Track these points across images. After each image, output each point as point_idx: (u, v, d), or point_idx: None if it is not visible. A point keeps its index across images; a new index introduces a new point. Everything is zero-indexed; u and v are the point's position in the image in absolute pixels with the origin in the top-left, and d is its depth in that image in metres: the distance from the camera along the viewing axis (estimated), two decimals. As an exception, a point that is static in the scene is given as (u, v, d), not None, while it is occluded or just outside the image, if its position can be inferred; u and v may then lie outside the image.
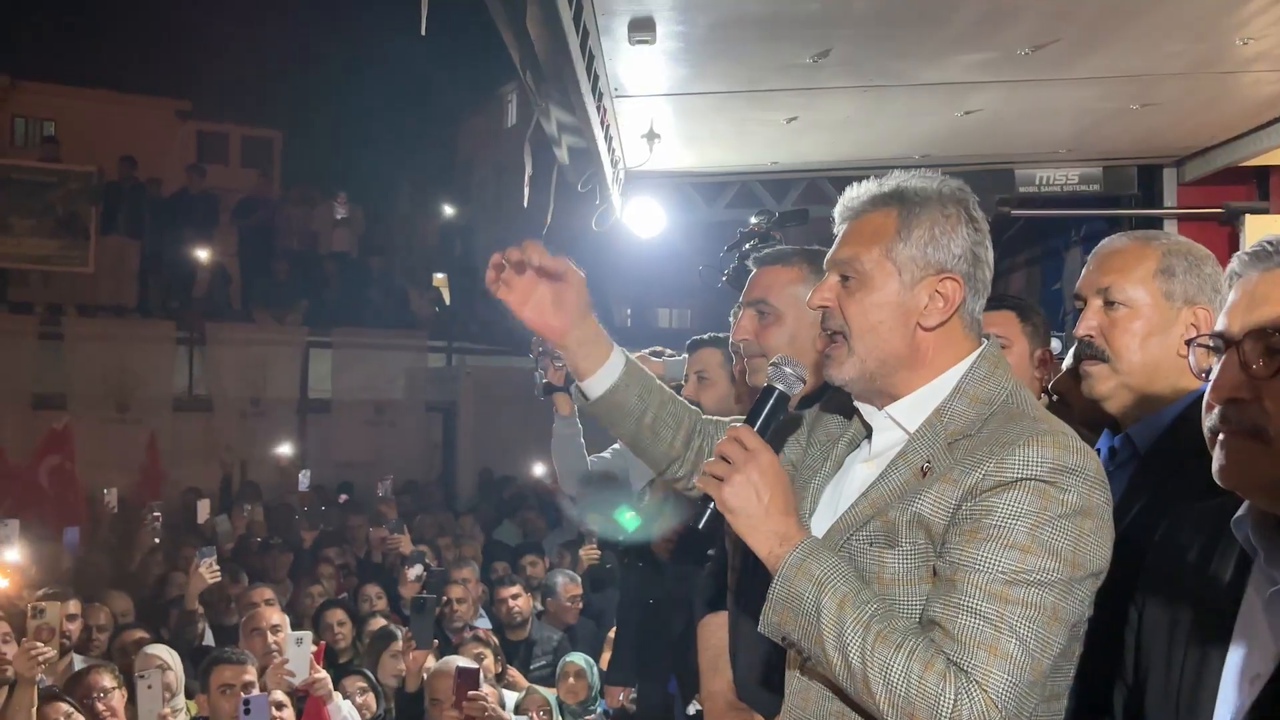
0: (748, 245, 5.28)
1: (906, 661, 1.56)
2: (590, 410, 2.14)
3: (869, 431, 1.91)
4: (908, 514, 1.71)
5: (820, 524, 1.87)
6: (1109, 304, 2.14)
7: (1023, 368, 2.93)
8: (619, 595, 5.28)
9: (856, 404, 1.93)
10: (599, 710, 5.25)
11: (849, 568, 1.69)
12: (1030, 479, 1.62)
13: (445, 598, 6.10)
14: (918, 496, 1.71)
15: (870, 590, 1.67)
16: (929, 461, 1.74)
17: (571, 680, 5.41)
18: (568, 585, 6.68)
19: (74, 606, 5.21)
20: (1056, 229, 6.54)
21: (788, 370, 1.91)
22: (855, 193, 1.91)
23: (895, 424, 1.84)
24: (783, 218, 5.08)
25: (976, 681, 1.54)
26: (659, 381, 2.20)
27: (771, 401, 1.89)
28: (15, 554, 6.05)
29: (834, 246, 1.90)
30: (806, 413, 2.14)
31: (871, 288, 1.81)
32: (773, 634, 1.74)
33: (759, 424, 1.87)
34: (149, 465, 11.71)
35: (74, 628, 5.18)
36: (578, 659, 5.56)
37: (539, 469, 11.22)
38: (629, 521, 6.43)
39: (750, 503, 1.74)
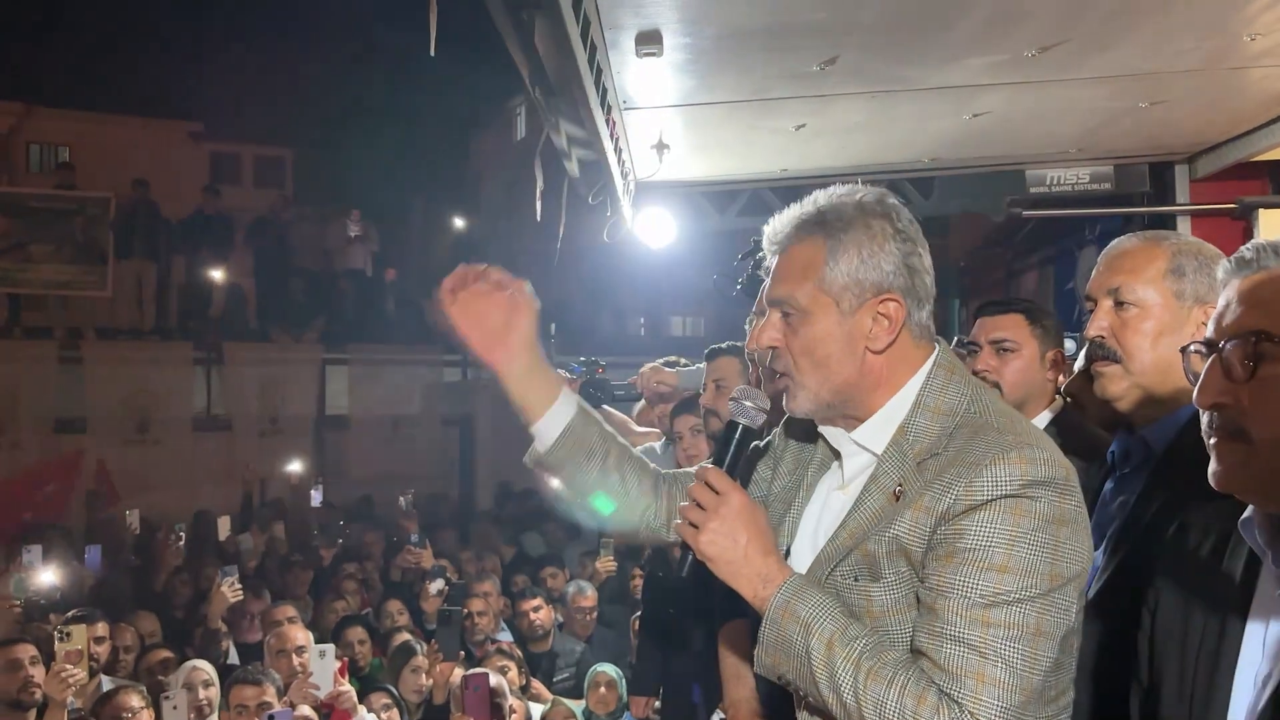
0: (761, 254, 5.31)
1: (899, 697, 1.56)
2: (549, 459, 2.01)
3: (837, 455, 1.89)
4: (885, 543, 1.69)
5: (801, 554, 1.85)
6: (1120, 304, 2.14)
7: (1033, 370, 2.93)
8: (642, 605, 5.28)
9: (821, 430, 1.89)
10: None
11: (834, 604, 1.68)
12: (1000, 497, 1.61)
13: (466, 611, 6.13)
14: (893, 524, 1.69)
15: (858, 625, 1.66)
16: (900, 485, 1.72)
17: (602, 690, 5.41)
18: (576, 596, 6.69)
19: (102, 629, 5.25)
20: (1069, 229, 6.54)
21: (748, 404, 1.88)
22: (778, 224, 1.86)
23: (861, 448, 1.81)
24: None
25: (969, 711, 1.54)
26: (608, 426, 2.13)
27: (736, 437, 1.86)
28: (50, 576, 6.11)
29: (769, 282, 1.87)
30: (775, 437, 2.10)
31: (812, 323, 1.77)
32: (768, 675, 1.73)
33: (727, 463, 1.84)
34: (103, 489, 11.82)
35: (102, 650, 5.21)
36: (608, 669, 5.56)
37: (556, 483, 11.23)
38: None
39: (728, 549, 1.73)
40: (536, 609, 6.43)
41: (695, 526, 1.76)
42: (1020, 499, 1.61)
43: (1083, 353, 2.97)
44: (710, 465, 1.84)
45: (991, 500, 1.61)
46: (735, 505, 1.74)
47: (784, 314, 1.81)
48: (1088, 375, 2.24)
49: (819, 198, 1.84)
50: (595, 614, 6.64)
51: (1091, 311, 2.22)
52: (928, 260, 1.82)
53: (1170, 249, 2.14)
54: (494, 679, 4.58)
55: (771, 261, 1.88)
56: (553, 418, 2.01)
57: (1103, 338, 2.15)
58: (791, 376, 1.80)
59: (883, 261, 1.76)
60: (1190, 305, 2.10)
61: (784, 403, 1.85)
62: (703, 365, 3.81)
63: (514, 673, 5.34)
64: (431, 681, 5.14)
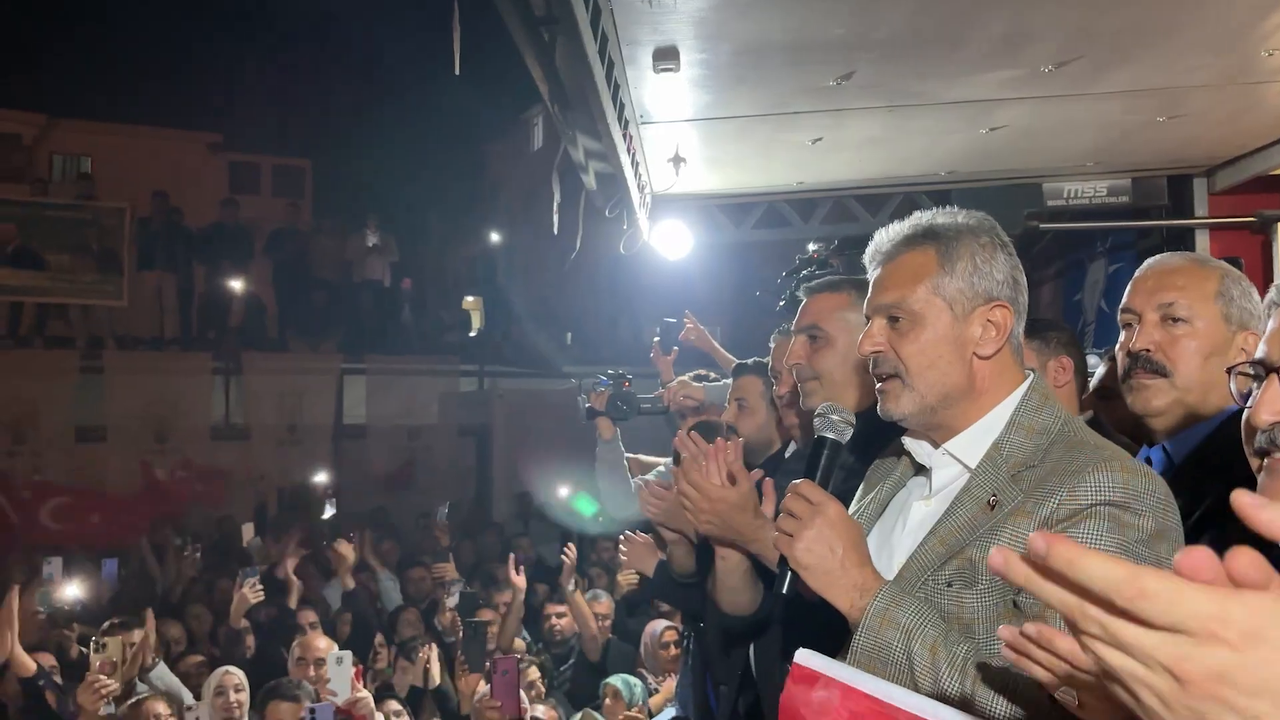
0: (805, 271, 5.33)
1: (1009, 704, 1.54)
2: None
3: (918, 469, 1.91)
4: (988, 553, 1.68)
5: (879, 567, 1.84)
6: (1172, 320, 2.15)
7: None
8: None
9: (908, 445, 1.92)
10: None
11: (934, 611, 1.68)
12: (1104, 504, 1.61)
13: (484, 620, 6.16)
14: (995, 535, 1.69)
15: (957, 632, 1.66)
16: (995, 495, 1.73)
17: (609, 701, 5.42)
18: (592, 603, 6.69)
19: (137, 636, 5.29)
20: (1084, 241, 6.51)
21: (835, 418, 1.92)
22: (886, 236, 1.92)
23: (955, 460, 1.83)
24: (841, 244, 5.11)
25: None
26: None
27: (826, 452, 1.90)
28: (75, 590, 6.18)
29: (873, 291, 1.90)
30: (871, 469, 2.13)
31: (924, 325, 1.81)
32: None
33: (818, 476, 1.87)
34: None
35: (143, 656, 5.24)
36: (615, 680, 5.57)
37: (564, 491, 11.28)
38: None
39: (825, 558, 1.74)
40: (560, 615, 6.45)
41: (790, 536, 1.77)
42: (1124, 510, 1.61)
43: (1101, 367, 2.97)
44: (803, 480, 1.85)
45: (1095, 506, 1.62)
46: (831, 515, 1.76)
47: (891, 319, 1.84)
48: (1101, 393, 2.25)
49: (926, 215, 1.90)
50: (609, 622, 6.64)
51: (1127, 326, 2.23)
52: (1024, 279, 1.88)
53: (1219, 272, 2.17)
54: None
55: (875, 273, 1.91)
56: None
57: (1150, 351, 2.16)
58: (901, 379, 1.82)
59: (994, 270, 1.82)
60: (1235, 330, 2.13)
61: (879, 407, 1.87)
62: (729, 381, 3.83)
63: (537, 679, 5.37)
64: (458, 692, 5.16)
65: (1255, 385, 1.47)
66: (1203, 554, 0.75)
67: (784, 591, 1.84)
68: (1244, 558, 0.74)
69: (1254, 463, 1.46)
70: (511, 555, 6.83)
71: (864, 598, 1.70)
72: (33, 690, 4.66)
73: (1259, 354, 1.47)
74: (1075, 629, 0.80)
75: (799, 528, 1.76)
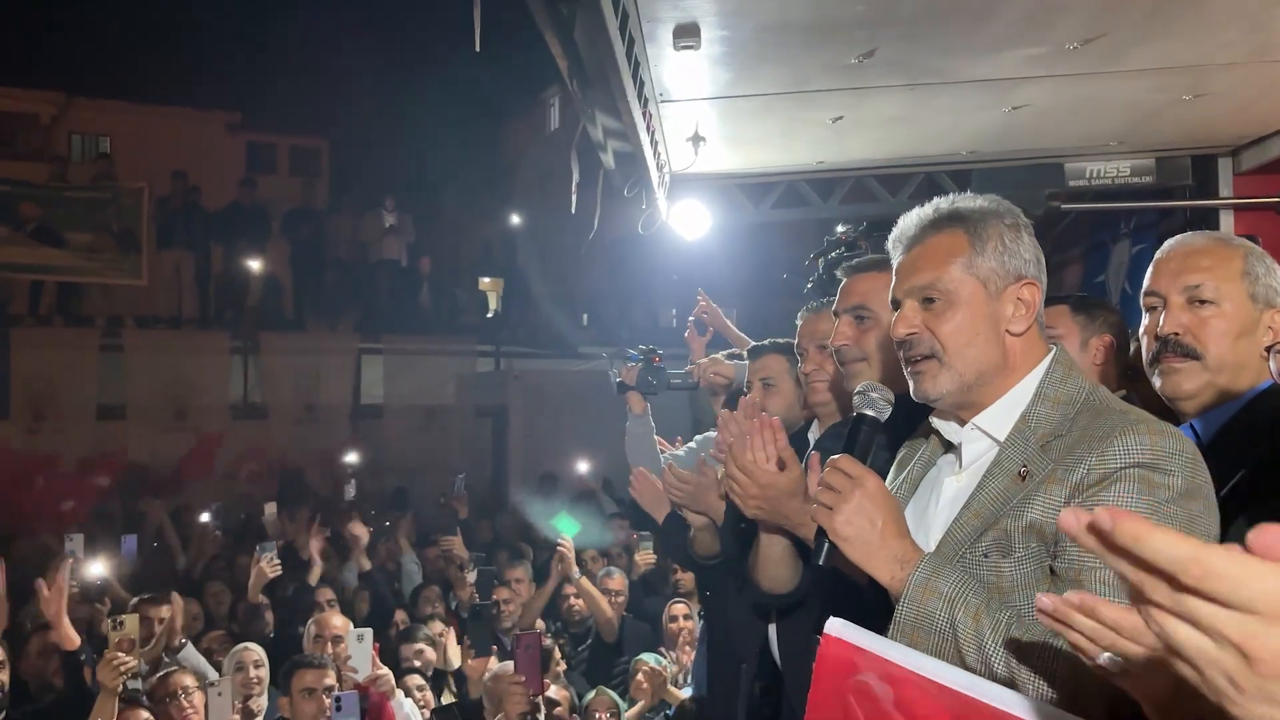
0: (834, 253, 5.30)
1: (1051, 663, 1.55)
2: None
3: (947, 447, 1.94)
4: (1023, 521, 1.70)
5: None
6: (1199, 302, 2.13)
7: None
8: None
9: (936, 424, 1.94)
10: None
11: (975, 580, 1.70)
12: (1133, 465, 1.63)
13: (495, 599, 6.19)
14: (1028, 503, 1.70)
15: (998, 600, 1.67)
16: (1025, 466, 1.75)
17: (640, 679, 5.42)
18: (605, 579, 6.71)
19: (159, 613, 5.33)
20: (1108, 222, 6.45)
21: (875, 396, 1.94)
22: (911, 220, 1.94)
23: (984, 434, 1.85)
24: (870, 226, 5.07)
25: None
26: None
27: (864, 429, 1.92)
28: (99, 568, 6.23)
29: (901, 276, 1.92)
30: (901, 451, 2.15)
31: (959, 304, 1.84)
32: None
33: (857, 452, 1.88)
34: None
35: (167, 630, 5.28)
36: (648, 658, 5.58)
37: (584, 467, 11.33)
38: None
39: (865, 529, 1.75)
40: (576, 595, 6.47)
41: (830, 509, 1.78)
42: (1153, 471, 1.62)
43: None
44: (842, 454, 1.87)
45: (1125, 468, 1.63)
46: (870, 488, 1.78)
47: (925, 300, 1.86)
48: (1127, 375, 2.24)
49: (949, 199, 1.92)
50: (623, 599, 6.66)
51: (1151, 309, 2.21)
52: (1044, 259, 1.92)
53: (1243, 251, 2.15)
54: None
55: (901, 258, 1.93)
56: None
57: (1179, 334, 2.14)
58: (938, 359, 1.85)
59: (1022, 250, 1.86)
60: (1261, 308, 2.11)
61: (914, 388, 1.89)
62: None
63: (556, 656, 5.39)
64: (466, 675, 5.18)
65: None
66: (1276, 532, 0.74)
67: (820, 564, 1.85)
68: None
69: None
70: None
71: (905, 569, 1.72)
72: (74, 665, 4.71)
73: None
74: (1142, 599, 0.80)
75: (839, 501, 1.78)
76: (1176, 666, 0.80)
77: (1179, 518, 1.60)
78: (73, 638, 4.66)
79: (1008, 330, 1.84)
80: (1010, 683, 1.57)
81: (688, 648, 5.95)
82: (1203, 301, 2.12)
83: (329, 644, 5.09)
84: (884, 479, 2.07)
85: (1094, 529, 0.79)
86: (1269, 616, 0.72)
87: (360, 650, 4.79)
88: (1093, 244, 6.80)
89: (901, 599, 1.70)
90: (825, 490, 1.80)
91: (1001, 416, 1.83)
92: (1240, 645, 0.73)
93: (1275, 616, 0.72)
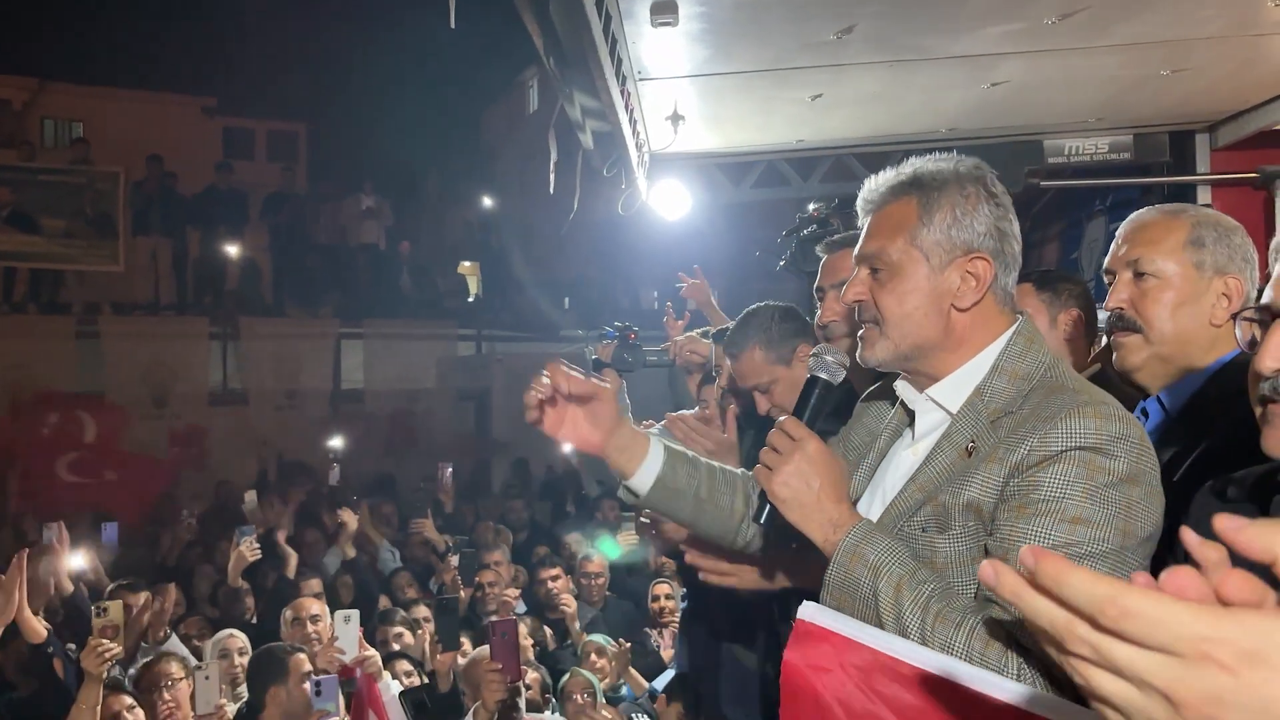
0: (806, 231, 5.29)
1: (967, 640, 1.55)
2: (646, 504, 2.14)
3: (910, 418, 1.92)
4: (961, 498, 1.70)
5: (866, 511, 1.87)
6: (1139, 275, 2.15)
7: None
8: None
9: (897, 389, 1.93)
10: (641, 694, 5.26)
11: (904, 549, 1.69)
12: (1075, 449, 1.61)
13: (477, 583, 6.16)
14: (967, 480, 1.70)
15: (926, 570, 1.67)
16: (973, 441, 1.74)
17: (593, 658, 5.43)
18: (584, 562, 6.71)
19: (143, 598, 5.29)
20: (1088, 199, 6.47)
21: (829, 359, 1.94)
22: (874, 185, 1.92)
23: (937, 405, 1.85)
24: (842, 203, 5.05)
25: (1035, 655, 1.52)
26: (699, 456, 2.20)
27: (816, 392, 1.92)
28: (80, 560, 6.18)
29: (860, 241, 1.91)
30: (858, 405, 2.16)
31: (902, 276, 1.82)
32: None
33: (806, 415, 1.89)
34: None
35: (146, 618, 5.24)
36: (597, 638, 5.59)
37: (566, 447, 11.29)
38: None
39: (801, 492, 1.77)
40: (555, 578, 6.47)
41: (770, 470, 1.79)
42: (1096, 454, 1.60)
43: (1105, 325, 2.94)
44: (789, 416, 1.87)
45: (1066, 451, 1.61)
46: (810, 451, 1.78)
47: (872, 269, 1.86)
48: (1103, 351, 2.25)
49: (914, 163, 1.89)
50: (604, 579, 6.66)
51: (1111, 285, 2.22)
52: (1017, 228, 1.87)
53: (1190, 220, 2.15)
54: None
55: (863, 222, 1.92)
56: (643, 473, 2.10)
57: (1122, 309, 2.16)
58: (877, 326, 1.85)
59: (975, 223, 1.80)
60: (1210, 276, 2.11)
61: (858, 354, 1.90)
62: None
63: (529, 642, 5.36)
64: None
65: (1261, 331, 1.44)
66: (1187, 573, 0.71)
67: (760, 523, 1.89)
68: (1235, 578, 0.71)
69: (1256, 410, 1.44)
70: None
71: (837, 533, 1.73)
72: (41, 658, 4.64)
73: (1265, 299, 1.45)
74: (1062, 651, 0.76)
75: (779, 462, 1.78)
76: (1105, 715, 0.76)
77: (1117, 502, 1.58)
78: (36, 630, 4.58)
79: (954, 305, 1.81)
80: None
81: (673, 627, 5.97)
82: (1142, 275, 2.14)
83: (307, 624, 5.06)
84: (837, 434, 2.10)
85: (1009, 577, 0.77)
86: (1190, 658, 0.69)
87: (347, 632, 4.75)
88: (1070, 221, 6.82)
89: (831, 562, 1.72)
90: (768, 451, 1.81)
91: (957, 388, 1.82)
92: (1164, 691, 0.70)
93: (1197, 657, 0.69)
